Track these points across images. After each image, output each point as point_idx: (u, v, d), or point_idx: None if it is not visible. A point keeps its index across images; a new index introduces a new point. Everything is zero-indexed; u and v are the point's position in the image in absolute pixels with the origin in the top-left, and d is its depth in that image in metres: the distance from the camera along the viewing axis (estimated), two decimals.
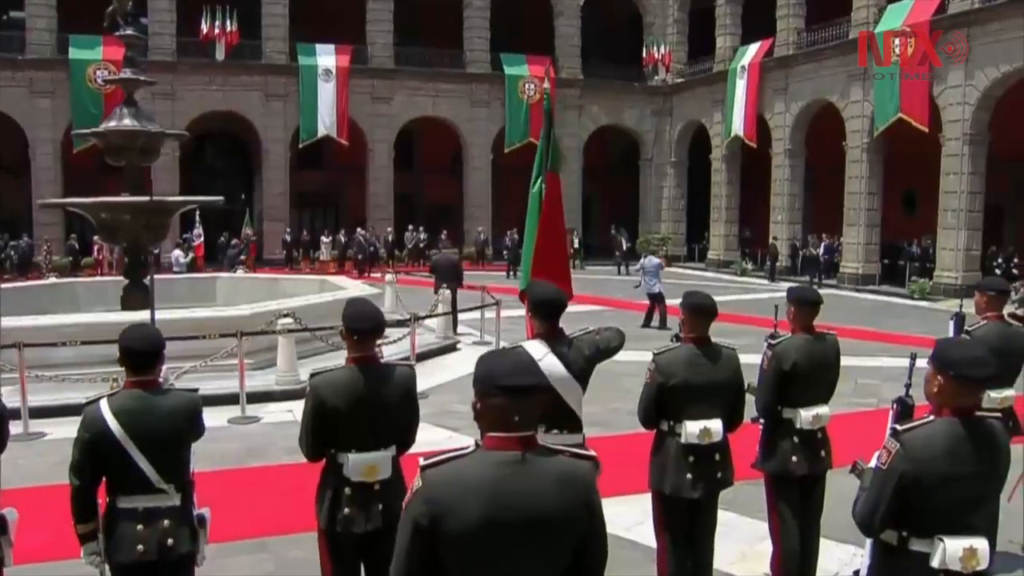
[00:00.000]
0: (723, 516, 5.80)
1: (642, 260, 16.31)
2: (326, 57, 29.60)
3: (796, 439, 4.19)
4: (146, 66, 27.28)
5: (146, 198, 12.30)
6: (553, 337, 3.83)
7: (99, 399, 3.36)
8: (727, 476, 4.04)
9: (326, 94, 29.52)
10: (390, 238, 29.78)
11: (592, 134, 33.77)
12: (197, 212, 25.86)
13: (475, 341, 13.08)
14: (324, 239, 29.44)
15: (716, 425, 3.92)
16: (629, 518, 5.49)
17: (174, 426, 3.37)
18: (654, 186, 34.31)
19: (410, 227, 30.97)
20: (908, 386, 3.06)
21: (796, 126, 27.28)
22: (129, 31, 11.76)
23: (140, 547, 3.24)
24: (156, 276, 19.13)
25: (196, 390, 3.63)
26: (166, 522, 3.28)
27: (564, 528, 2.09)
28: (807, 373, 4.17)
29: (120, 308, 12.09)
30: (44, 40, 27.69)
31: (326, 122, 29.59)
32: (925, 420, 2.61)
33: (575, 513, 2.10)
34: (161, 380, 3.61)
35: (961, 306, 5.20)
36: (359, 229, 28.76)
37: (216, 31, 27.96)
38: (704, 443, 3.89)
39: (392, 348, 11.68)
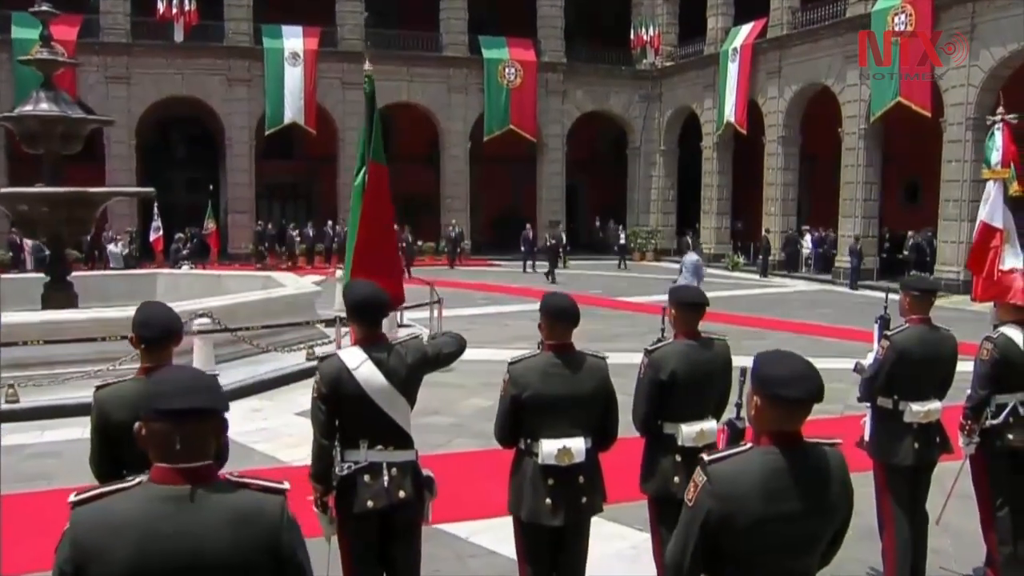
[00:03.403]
0: (638, 537, 5.58)
1: (684, 256, 15.75)
2: (293, 39, 29.28)
3: (678, 457, 3.91)
4: (98, 47, 27.32)
5: (67, 189, 12.04)
6: (373, 343, 3.61)
7: None
8: (595, 501, 3.75)
9: (293, 79, 29.22)
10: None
11: (577, 121, 33.48)
12: (155, 204, 25.60)
13: None
14: (290, 232, 29.13)
15: (577, 444, 3.63)
16: None
17: None
18: (643, 176, 34.03)
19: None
20: (739, 406, 2.78)
21: (790, 111, 27.03)
22: (45, 7, 11.44)
23: None
24: (95, 272, 18.77)
25: None
26: None
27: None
28: (688, 383, 3.88)
29: (41, 307, 11.81)
30: None
31: (293, 109, 29.29)
32: (739, 449, 2.33)
33: (255, 558, 1.92)
34: None
35: (886, 308, 4.93)
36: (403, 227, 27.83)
37: (174, 10, 27.60)
38: (563, 464, 3.61)
39: (328, 349, 11.45)
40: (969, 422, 4.71)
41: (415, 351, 3.73)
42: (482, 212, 33.22)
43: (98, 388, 3.35)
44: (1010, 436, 4.71)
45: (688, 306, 3.96)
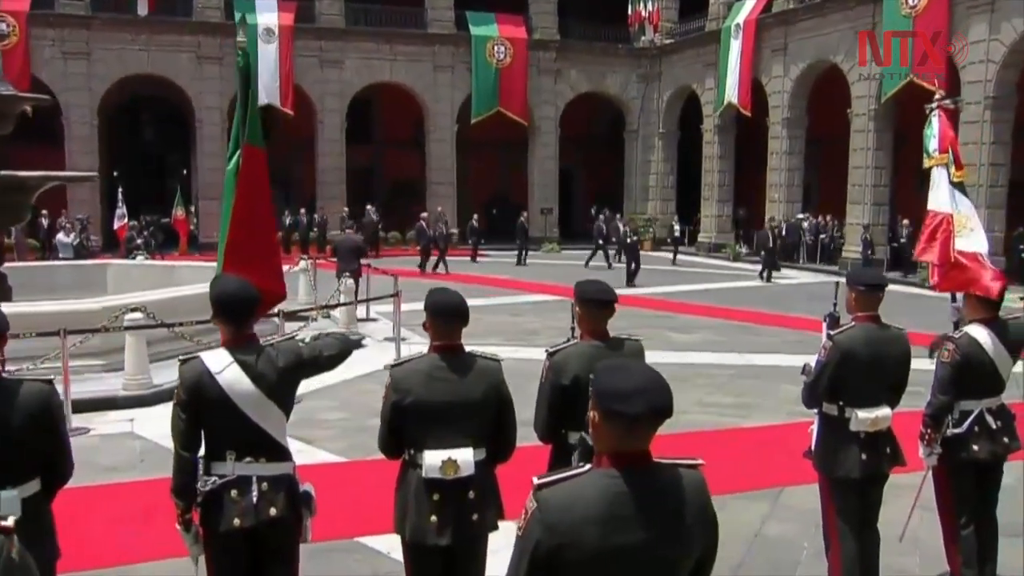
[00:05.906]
0: None
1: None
2: (267, 14, 28.94)
3: None
4: (53, 19, 27.02)
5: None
6: (241, 344, 3.50)
7: None
8: (488, 518, 3.56)
9: (267, 57, 28.88)
10: (344, 217, 29.03)
11: (571, 103, 33.20)
12: (120, 190, 25.42)
13: (386, 337, 12.67)
14: None
15: (465, 455, 3.45)
16: None
17: None
18: (640, 160, 33.78)
19: (369, 207, 30.34)
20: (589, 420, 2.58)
21: (796, 91, 26.75)
22: None
23: None
24: (44, 262, 18.57)
25: None
26: None
27: None
28: None
29: None
30: None
31: (268, 89, 28.92)
32: (575, 471, 2.13)
33: None
34: None
35: (835, 304, 4.74)
36: (423, 214, 26.56)
37: None
38: (449, 477, 3.43)
39: None
40: (929, 431, 4.51)
41: (288, 353, 3.60)
42: (470, 198, 32.98)
43: None
44: (975, 447, 4.52)
45: (593, 303, 3.76)
